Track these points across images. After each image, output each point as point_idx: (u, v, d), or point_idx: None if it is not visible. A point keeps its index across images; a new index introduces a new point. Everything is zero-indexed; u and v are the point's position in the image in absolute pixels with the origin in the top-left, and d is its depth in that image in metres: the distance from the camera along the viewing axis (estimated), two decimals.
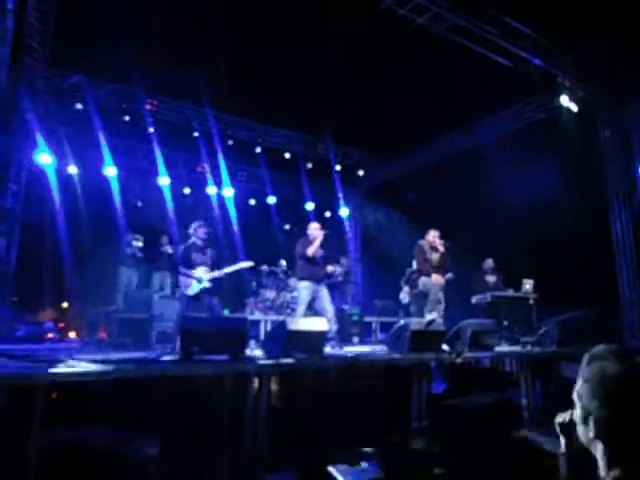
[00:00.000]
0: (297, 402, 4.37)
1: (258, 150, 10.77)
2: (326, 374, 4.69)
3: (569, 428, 1.23)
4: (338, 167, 11.64)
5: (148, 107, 9.38)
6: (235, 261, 6.63)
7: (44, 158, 8.40)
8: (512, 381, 5.76)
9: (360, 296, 11.66)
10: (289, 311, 8.42)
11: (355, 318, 8.42)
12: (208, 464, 3.69)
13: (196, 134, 9.99)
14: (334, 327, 6.11)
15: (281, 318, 7.15)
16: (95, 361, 3.86)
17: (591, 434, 1.10)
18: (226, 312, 7.77)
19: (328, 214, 12.68)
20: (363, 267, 12.80)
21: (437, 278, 6.88)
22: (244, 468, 3.79)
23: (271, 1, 6.97)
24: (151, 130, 9.49)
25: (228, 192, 10.91)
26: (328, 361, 4.85)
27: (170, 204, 10.06)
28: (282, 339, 4.50)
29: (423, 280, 6.99)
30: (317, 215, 11.42)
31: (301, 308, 6.25)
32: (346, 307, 8.74)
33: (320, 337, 4.90)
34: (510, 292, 7.77)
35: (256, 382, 4.10)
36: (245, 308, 8.80)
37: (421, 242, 7.15)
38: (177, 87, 8.96)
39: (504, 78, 7.80)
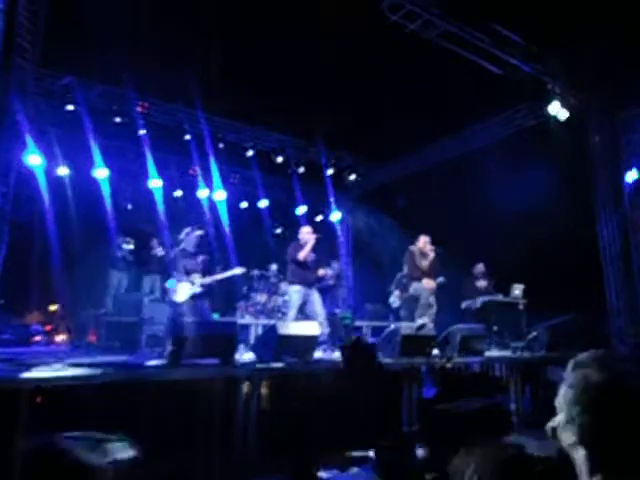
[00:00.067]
0: (288, 406, 4.35)
1: (250, 153, 10.76)
2: (317, 378, 4.68)
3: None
4: (330, 171, 11.66)
5: (139, 109, 9.33)
6: (226, 264, 6.62)
7: (33, 159, 8.32)
8: (502, 386, 5.79)
9: (351, 300, 11.66)
10: (280, 315, 8.40)
11: (346, 322, 8.42)
12: (198, 468, 3.66)
13: (188, 137, 9.95)
14: (325, 331, 6.11)
15: (272, 322, 7.13)
16: (82, 365, 3.82)
17: (573, 439, 1.11)
18: (216, 316, 7.73)
19: (320, 218, 12.69)
20: (354, 271, 12.82)
21: (428, 282, 6.90)
22: (234, 472, 3.77)
23: (263, 5, 6.98)
24: (142, 132, 9.43)
25: (219, 195, 10.88)
26: (319, 365, 4.84)
27: (161, 207, 10.00)
28: (273, 343, 4.49)
29: (414, 285, 7.01)
30: (309, 219, 11.41)
31: (292, 312, 6.24)
32: (338, 311, 8.74)
33: (311, 341, 4.90)
34: (500, 297, 7.82)
35: (246, 386, 4.08)
36: (236, 312, 8.76)
37: (412, 248, 7.18)
38: (168, 89, 8.92)
39: (495, 85, 7.86)
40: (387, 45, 7.31)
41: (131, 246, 8.72)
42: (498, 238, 8.24)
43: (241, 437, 3.91)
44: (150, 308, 7.42)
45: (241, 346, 5.38)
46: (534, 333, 6.66)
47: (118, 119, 9.22)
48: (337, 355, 5.99)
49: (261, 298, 8.92)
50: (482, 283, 8.26)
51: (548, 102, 8.11)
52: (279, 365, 4.36)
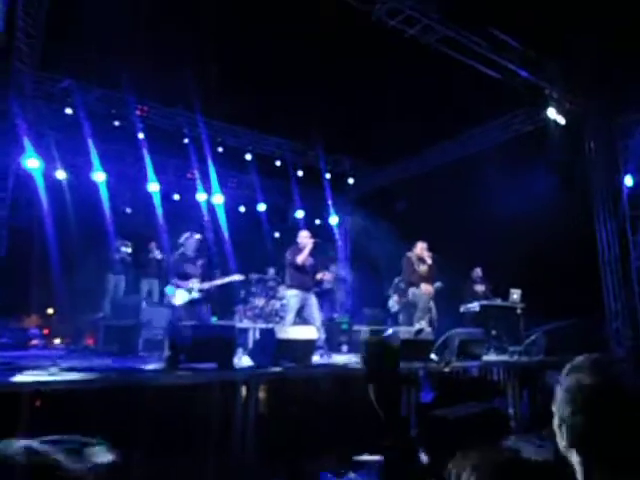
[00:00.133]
0: (286, 411, 4.34)
1: (248, 157, 10.78)
2: (315, 383, 4.68)
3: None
4: (328, 175, 11.68)
5: (138, 113, 9.35)
6: (225, 268, 6.61)
7: (32, 163, 8.32)
8: (499, 390, 5.79)
9: (349, 304, 11.65)
10: (278, 319, 8.39)
11: (344, 327, 8.42)
12: (196, 472, 3.65)
13: (186, 140, 9.96)
14: (322, 336, 6.10)
15: (270, 326, 7.12)
16: (78, 369, 3.81)
17: (565, 442, 1.12)
18: (214, 319, 7.72)
19: (318, 222, 12.69)
20: (353, 275, 12.81)
21: (426, 287, 6.91)
22: (232, 476, 3.75)
23: (262, 9, 7.01)
24: (141, 136, 9.44)
25: (218, 199, 10.89)
26: (317, 370, 4.84)
27: (159, 210, 9.99)
28: (271, 347, 4.49)
29: (412, 290, 7.01)
30: (307, 223, 11.42)
31: (290, 316, 6.23)
32: (335, 316, 8.74)
33: (309, 345, 4.90)
34: (498, 301, 7.83)
35: (244, 390, 4.07)
36: (234, 316, 8.75)
37: (409, 254, 7.18)
38: (167, 93, 8.95)
39: (493, 89, 7.90)
40: (386, 50, 7.34)
41: (129, 249, 8.71)
42: (496, 242, 8.26)
43: (239, 441, 3.90)
44: (148, 312, 7.41)
45: (239, 350, 5.37)
46: (532, 337, 6.66)
47: (117, 123, 9.24)
48: (340, 359, 6.00)
49: (259, 302, 8.91)
50: (480, 287, 8.27)
51: (545, 107, 8.15)
52: (277, 369, 4.36)
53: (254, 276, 9.14)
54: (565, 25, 6.68)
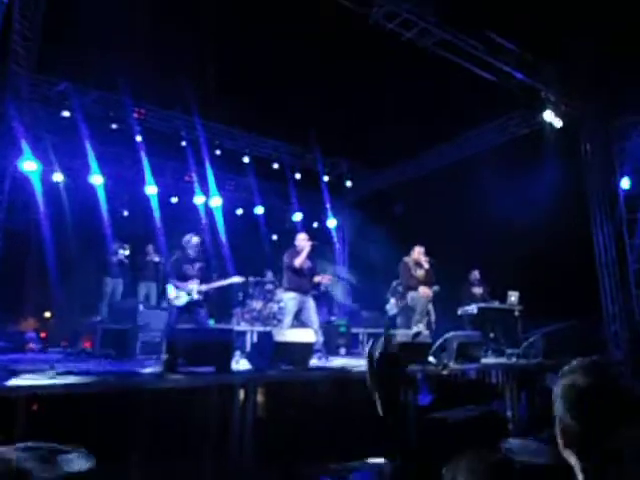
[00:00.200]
0: (284, 414, 4.33)
1: (246, 160, 10.78)
2: (313, 386, 4.67)
3: None
4: (326, 178, 11.69)
5: (135, 115, 9.33)
6: (223, 271, 6.60)
7: (29, 165, 8.30)
8: (498, 393, 5.79)
9: (347, 307, 11.64)
10: (275, 322, 8.38)
11: (342, 329, 8.41)
12: (194, 476, 3.63)
13: (184, 143, 9.96)
14: (320, 339, 6.10)
15: (268, 329, 7.11)
16: (75, 373, 3.79)
17: (562, 443, 1.14)
18: (212, 322, 7.71)
19: (316, 224, 12.69)
20: (350, 277, 12.80)
21: (425, 290, 6.91)
22: None
23: (260, 12, 7.02)
24: (138, 139, 9.43)
25: (215, 202, 10.88)
26: (314, 373, 4.83)
27: (157, 213, 9.98)
28: (269, 351, 4.48)
29: (411, 294, 7.00)
30: (305, 225, 11.42)
31: (287, 319, 6.22)
32: (333, 318, 8.73)
33: (307, 348, 4.89)
34: (496, 304, 7.83)
35: (242, 394, 4.06)
36: (232, 318, 8.74)
37: (406, 259, 7.18)
38: (165, 95, 8.95)
39: (489, 92, 7.93)
40: (383, 53, 7.37)
41: (127, 252, 8.68)
42: (493, 244, 8.27)
43: (237, 445, 3.89)
44: (146, 315, 7.38)
45: (237, 353, 5.36)
46: (530, 340, 6.66)
47: (114, 125, 9.23)
48: (338, 362, 5.99)
49: (257, 305, 8.90)
50: (477, 290, 8.27)
51: (542, 110, 8.17)
52: (275, 372, 4.35)
53: (252, 279, 9.13)
54: (562, 28, 6.71)
